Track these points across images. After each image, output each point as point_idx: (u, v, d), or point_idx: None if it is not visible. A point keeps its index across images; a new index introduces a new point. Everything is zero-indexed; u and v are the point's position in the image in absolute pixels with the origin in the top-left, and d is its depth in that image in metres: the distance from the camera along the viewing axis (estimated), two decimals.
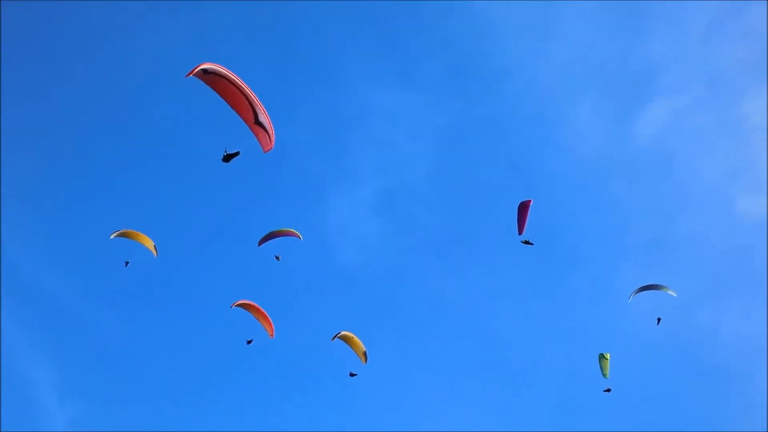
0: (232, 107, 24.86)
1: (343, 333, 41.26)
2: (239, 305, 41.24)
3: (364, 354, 42.07)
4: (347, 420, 62.19)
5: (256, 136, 25.55)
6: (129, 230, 42.62)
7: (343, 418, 62.72)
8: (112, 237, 42.01)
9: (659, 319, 42.65)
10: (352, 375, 43.46)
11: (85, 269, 67.63)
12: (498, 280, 71.25)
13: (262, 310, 41.75)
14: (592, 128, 76.94)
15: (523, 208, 39.59)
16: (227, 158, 26.31)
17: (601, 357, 42.93)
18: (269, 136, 25.54)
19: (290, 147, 76.61)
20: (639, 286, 40.74)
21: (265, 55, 79.99)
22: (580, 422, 60.44)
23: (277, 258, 45.50)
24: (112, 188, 72.74)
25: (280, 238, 43.91)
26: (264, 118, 25.23)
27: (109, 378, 63.24)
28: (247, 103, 24.85)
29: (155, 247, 43.44)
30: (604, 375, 42.63)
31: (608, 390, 43.12)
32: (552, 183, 75.95)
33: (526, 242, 40.90)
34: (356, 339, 41.62)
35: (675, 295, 40.36)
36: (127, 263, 44.96)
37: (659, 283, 40.66)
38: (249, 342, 44.25)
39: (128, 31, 75.50)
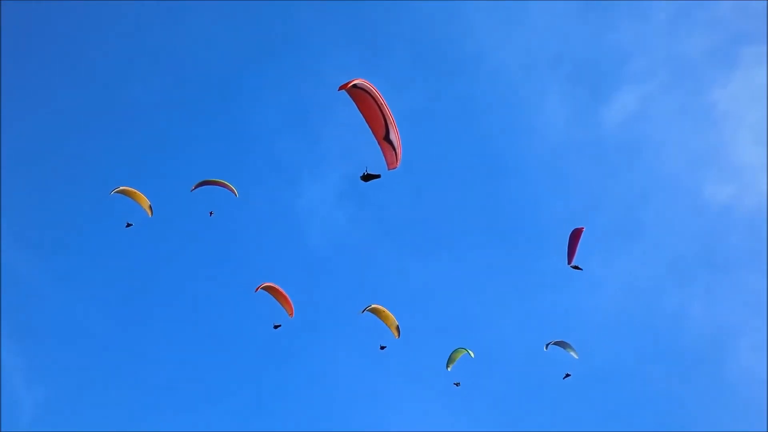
0: (366, 120, 25.52)
1: (372, 306, 40.75)
2: (262, 288, 41.99)
3: (397, 328, 41.89)
4: (314, 402, 63.43)
5: (383, 151, 26.09)
6: (128, 188, 44.00)
7: (309, 401, 64.02)
8: (111, 193, 43.34)
9: (567, 375, 43.63)
10: (382, 348, 43.79)
11: (54, 254, 66.82)
12: (464, 264, 72.53)
13: (283, 291, 42.73)
14: (559, 115, 78.44)
15: (574, 236, 38.87)
16: (366, 178, 26.60)
17: (457, 351, 42.60)
18: (396, 154, 26.07)
19: (260, 132, 76.72)
20: (555, 340, 41.72)
21: (236, 42, 79.76)
22: (547, 406, 61.88)
23: (210, 213, 46.51)
24: (83, 172, 71.92)
25: (215, 187, 44.92)
26: (394, 136, 25.71)
27: (77, 362, 63.17)
28: (382, 119, 25.41)
29: (150, 207, 44.83)
30: (447, 367, 42.43)
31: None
32: (519, 169, 77.49)
33: (576, 267, 40.29)
34: (387, 312, 41.34)
35: (577, 357, 41.75)
36: (128, 225, 46.20)
37: (569, 343, 41.83)
38: (277, 327, 44.56)
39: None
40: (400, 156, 26.10)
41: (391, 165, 26.29)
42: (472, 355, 42.18)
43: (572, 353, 41.80)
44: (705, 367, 64.61)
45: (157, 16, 77.82)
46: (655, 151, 77.27)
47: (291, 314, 43.44)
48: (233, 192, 44.84)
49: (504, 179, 77.74)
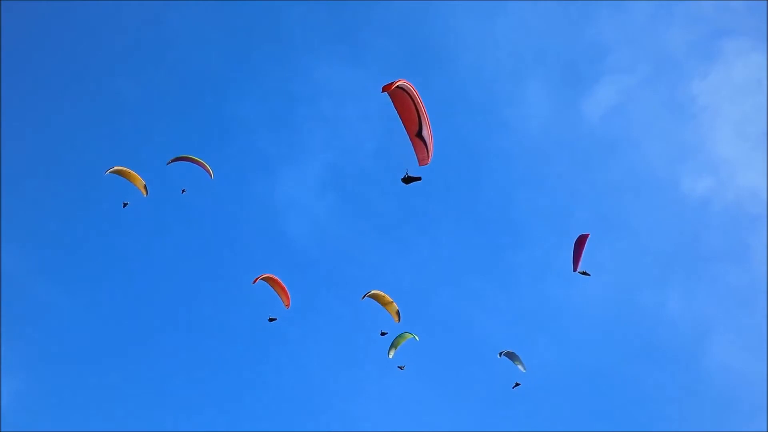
0: (400, 116, 26.07)
1: (373, 292, 41.14)
2: (261, 279, 42.11)
3: (397, 313, 42.34)
4: (290, 395, 63.85)
5: (414, 147, 26.67)
6: (123, 168, 44.29)
7: (286, 392, 64.42)
8: (106, 173, 43.64)
9: (517, 384, 43.64)
10: (383, 334, 44.00)
11: (30, 242, 65.84)
12: (443, 257, 72.76)
13: (280, 281, 43.28)
14: (539, 108, 79.03)
15: (579, 242, 38.73)
16: (408, 180, 26.83)
17: (401, 336, 42.63)
18: (427, 151, 26.52)
19: (240, 122, 76.53)
20: (507, 351, 42.08)
21: (217, 31, 79.69)
22: (521, 401, 60.96)
23: (182, 191, 46.97)
24: (59, 160, 71.10)
25: (190, 164, 45.34)
26: (427, 133, 26.06)
27: (52, 352, 63.34)
28: (416, 117, 26.10)
29: (145, 187, 45.12)
30: (388, 353, 42.57)
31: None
32: (499, 162, 78.09)
33: (584, 273, 40.07)
34: (387, 297, 41.76)
35: (524, 370, 42.32)
36: (125, 204, 46.12)
37: (518, 356, 42.21)
38: (272, 320, 44.66)
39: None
40: (431, 153, 26.51)
41: (422, 161, 26.85)
42: (417, 338, 42.48)
43: (520, 366, 42.22)
44: (682, 361, 65.07)
45: (138, 10, 77.51)
46: (635, 145, 77.89)
47: (287, 305, 43.69)
48: (209, 173, 45.14)
49: (485, 172, 78.40)
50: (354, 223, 75.43)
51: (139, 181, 44.77)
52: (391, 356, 42.28)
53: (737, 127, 74.24)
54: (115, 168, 43.83)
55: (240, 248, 70.99)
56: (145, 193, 45.24)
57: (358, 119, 79.27)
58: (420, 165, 26.87)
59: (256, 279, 42.46)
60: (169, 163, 44.87)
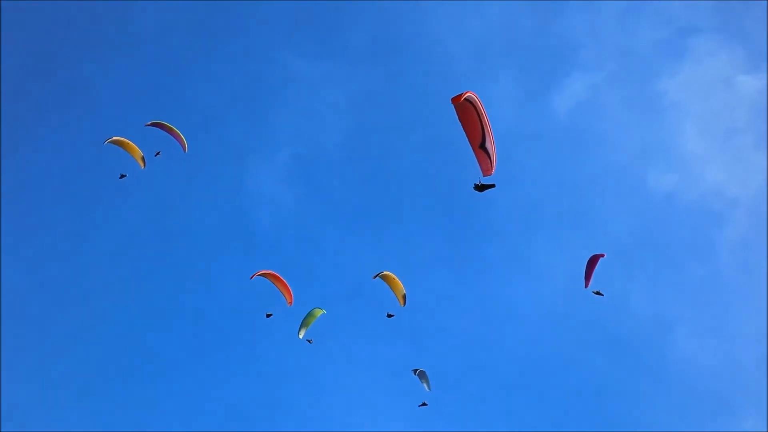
0: (464, 128, 25.57)
1: (384, 273, 41.11)
2: (260, 275, 41.86)
3: (404, 297, 42.37)
4: (258, 388, 63.55)
5: (477, 158, 26.34)
6: (121, 138, 44.13)
7: (249, 381, 64.11)
8: (105, 143, 43.65)
9: (423, 404, 43.93)
10: (389, 316, 44.02)
11: None
12: (412, 249, 72.19)
13: (282, 278, 42.77)
14: (508, 102, 78.29)
15: (591, 262, 38.66)
16: (481, 188, 26.64)
17: (311, 315, 42.87)
18: (491, 163, 26.32)
19: (209, 112, 75.09)
20: (419, 369, 42.45)
21: (186, 21, 77.47)
22: (488, 393, 63.02)
23: (156, 154, 46.30)
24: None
25: (168, 133, 44.96)
26: (490, 145, 25.90)
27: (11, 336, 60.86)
28: (480, 128, 25.62)
29: (143, 159, 45.01)
30: (299, 333, 42.77)
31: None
32: (468, 154, 78.00)
33: (597, 293, 40.19)
34: (397, 280, 41.78)
35: (429, 390, 42.73)
36: (122, 176, 46.15)
37: (426, 375, 42.61)
38: (268, 315, 44.28)
39: None
40: (494, 164, 26.38)
41: (486, 172, 26.60)
42: (325, 312, 42.97)
43: (425, 385, 42.63)
44: (645, 354, 65.53)
45: None
46: (602, 140, 78.13)
47: (290, 302, 43.28)
48: (183, 146, 44.96)
49: (453, 164, 78.28)
50: (322, 213, 74.98)
51: (137, 152, 44.70)
52: (301, 336, 42.31)
53: (704, 124, 74.68)
54: (114, 138, 43.68)
55: (208, 237, 70.12)
56: (142, 165, 45.14)
57: (327, 110, 78.69)
58: (483, 176, 26.80)
59: (254, 275, 41.93)
60: (147, 125, 44.57)
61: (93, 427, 57.25)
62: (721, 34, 74.52)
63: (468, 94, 24.41)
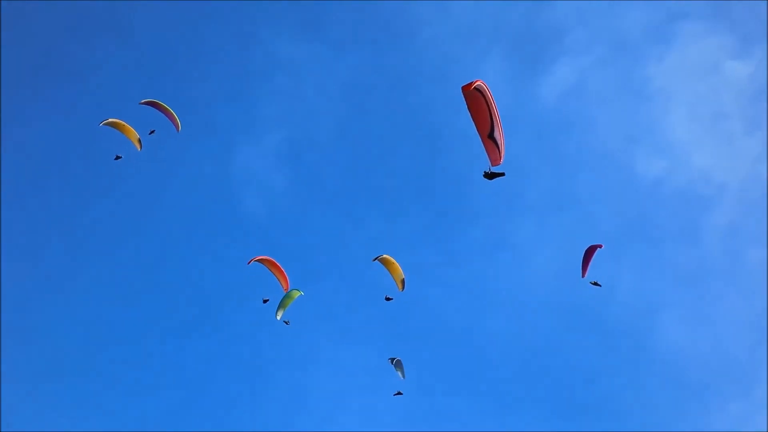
0: (472, 118, 25.39)
1: (384, 256, 41.06)
2: (257, 260, 41.83)
3: (402, 281, 42.31)
4: (242, 372, 63.94)
5: (486, 148, 26.20)
6: (118, 120, 44.08)
7: (239, 371, 64.42)
8: (101, 125, 43.59)
9: (398, 393, 44.34)
10: (387, 299, 43.87)
11: None
12: (398, 232, 72.51)
13: (278, 264, 42.67)
14: (497, 86, 78.10)
15: (589, 252, 38.86)
16: (491, 176, 26.50)
17: (289, 297, 42.91)
18: (499, 153, 26.19)
19: (197, 95, 74.50)
20: (396, 359, 42.98)
21: (172, 6, 77.05)
22: (473, 378, 63.42)
23: (151, 132, 46.07)
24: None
25: (161, 112, 44.86)
26: (498, 135, 25.76)
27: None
28: (489, 118, 25.47)
29: (139, 141, 44.97)
30: (276, 314, 42.78)
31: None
32: (454, 138, 77.66)
33: (595, 283, 40.34)
34: (396, 264, 41.73)
35: (403, 378, 43.17)
36: (118, 157, 46.04)
37: (401, 364, 43.10)
38: (265, 301, 44.17)
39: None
40: (503, 153, 26.25)
41: (494, 162, 26.51)
42: (302, 293, 43.01)
43: (400, 374, 42.97)
44: (632, 339, 65.88)
45: None
46: (590, 125, 78.13)
47: (286, 289, 43.26)
48: (176, 125, 44.83)
49: (439, 149, 78.34)
50: (310, 197, 74.77)
51: (134, 134, 44.57)
52: (278, 317, 42.38)
53: (691, 109, 75.24)
54: (110, 120, 43.59)
55: (196, 221, 69.72)
56: (139, 147, 44.97)
57: (315, 94, 78.30)
58: (492, 165, 26.66)
59: (251, 260, 41.84)
60: (141, 103, 44.43)
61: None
62: (710, 19, 75.07)
63: (478, 83, 24.31)
